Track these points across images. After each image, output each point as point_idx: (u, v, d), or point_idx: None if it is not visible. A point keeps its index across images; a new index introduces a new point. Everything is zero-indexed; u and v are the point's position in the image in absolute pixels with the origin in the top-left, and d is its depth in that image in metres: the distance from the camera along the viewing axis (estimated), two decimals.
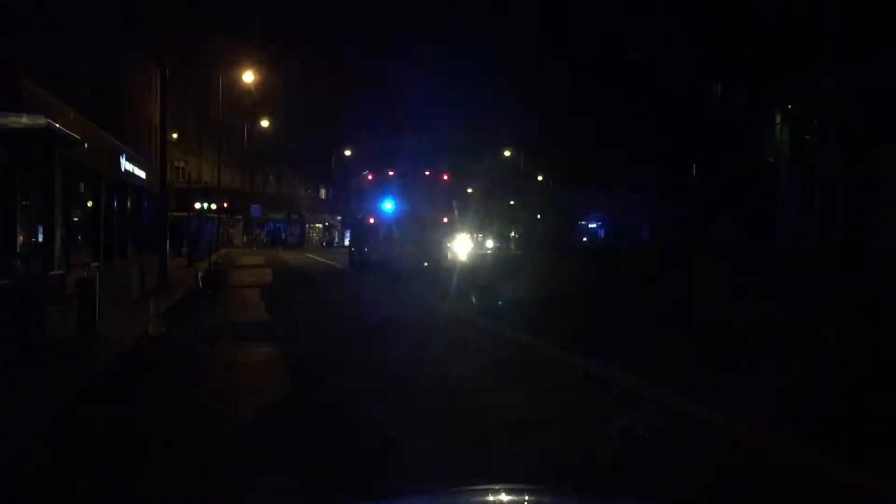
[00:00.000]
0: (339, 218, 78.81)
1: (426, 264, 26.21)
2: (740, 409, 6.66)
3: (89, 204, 24.95)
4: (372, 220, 28.56)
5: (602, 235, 66.13)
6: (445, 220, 29.13)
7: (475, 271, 27.17)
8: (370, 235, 28.48)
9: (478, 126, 73.57)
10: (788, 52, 36.66)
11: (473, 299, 17.18)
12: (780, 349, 10.61)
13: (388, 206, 28.05)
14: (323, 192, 79.84)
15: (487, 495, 2.46)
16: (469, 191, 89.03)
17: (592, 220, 70.12)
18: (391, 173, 29.96)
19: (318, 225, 78.64)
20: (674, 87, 44.98)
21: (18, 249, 15.94)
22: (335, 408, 7.08)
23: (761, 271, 28.02)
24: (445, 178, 30.55)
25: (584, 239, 69.17)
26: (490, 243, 65.61)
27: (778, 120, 41.54)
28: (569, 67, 56.57)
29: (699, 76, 44.33)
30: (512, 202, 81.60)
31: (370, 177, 30.72)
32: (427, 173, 30.40)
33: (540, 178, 74.03)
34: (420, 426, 6.36)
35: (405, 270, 24.97)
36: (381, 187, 29.09)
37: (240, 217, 66.07)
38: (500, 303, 16.93)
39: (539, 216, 74.18)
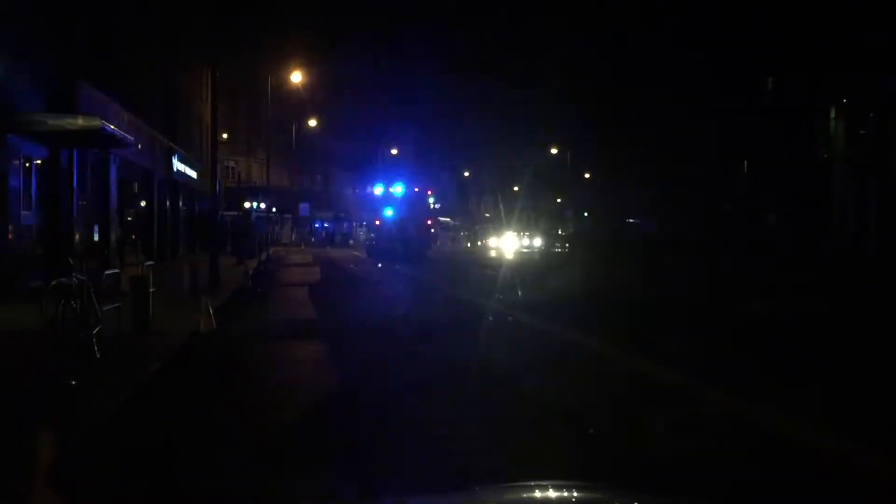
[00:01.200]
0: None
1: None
2: (792, 406, 6.56)
3: (143, 203, 25.51)
4: (378, 222, 39.89)
5: (647, 232, 65.04)
6: (429, 222, 40.95)
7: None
8: (377, 232, 39.90)
9: (524, 123, 73.35)
10: (845, 46, 35.78)
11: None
12: (829, 347, 10.39)
13: (388, 212, 38.33)
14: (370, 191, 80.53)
15: (535, 491, 2.46)
16: (515, 188, 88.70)
17: (636, 217, 69.01)
18: (390, 189, 39.79)
19: (365, 223, 79.24)
20: (724, 80, 44.21)
21: (75, 248, 16.40)
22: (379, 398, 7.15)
23: (812, 270, 27.47)
24: (430, 192, 41.13)
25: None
26: (526, 241, 65.36)
27: (833, 115, 40.58)
28: (615, 62, 55.98)
29: (751, 70, 43.51)
30: (559, 199, 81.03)
31: (377, 191, 41.17)
32: (416, 189, 40.54)
33: (587, 175, 73.37)
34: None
35: (401, 257, 33.41)
36: (384, 199, 39.78)
37: (288, 216, 66.85)
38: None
39: (586, 214, 73.57)
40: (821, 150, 41.90)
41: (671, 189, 52.22)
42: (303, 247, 60.12)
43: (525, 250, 57.98)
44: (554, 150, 74.80)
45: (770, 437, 6.10)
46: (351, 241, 73.15)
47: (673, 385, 7.98)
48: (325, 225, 73.56)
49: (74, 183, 17.63)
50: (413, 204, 39.34)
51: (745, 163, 47.64)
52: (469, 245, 73.30)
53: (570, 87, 64.11)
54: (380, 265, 32.56)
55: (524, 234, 69.80)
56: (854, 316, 14.52)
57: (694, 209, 50.93)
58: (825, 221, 39.80)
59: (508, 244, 62.29)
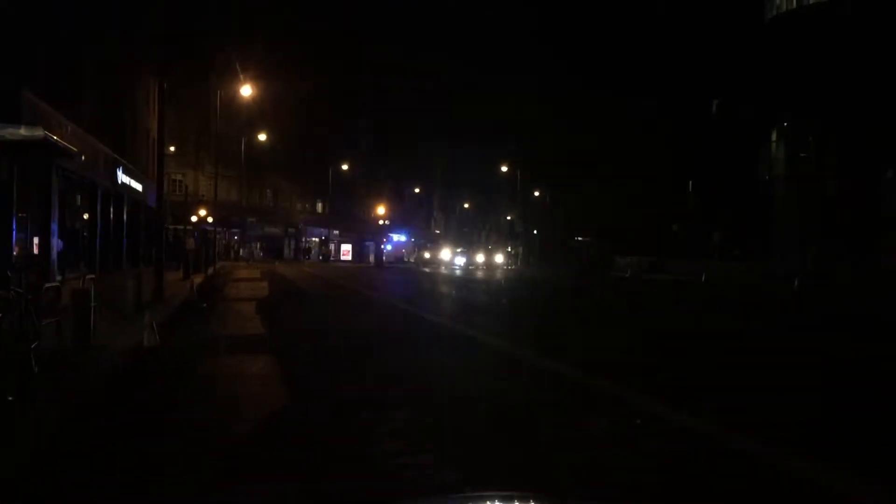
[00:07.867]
0: (335, 232, 78.87)
1: None
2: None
3: (86, 216, 24.93)
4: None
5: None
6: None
7: None
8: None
9: (476, 141, 73.76)
10: (786, 68, 36.80)
11: None
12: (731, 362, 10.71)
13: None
14: (320, 206, 79.83)
15: (484, 502, 2.45)
16: (466, 206, 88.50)
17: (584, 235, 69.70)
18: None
19: (314, 239, 78.58)
20: (672, 101, 45.11)
21: (14, 261, 15.94)
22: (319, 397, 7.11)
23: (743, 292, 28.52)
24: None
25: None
26: (458, 259, 65.60)
27: (774, 137, 41.71)
28: (566, 81, 56.76)
29: (699, 90, 44.48)
30: (509, 217, 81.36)
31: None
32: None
33: (537, 193, 73.96)
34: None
35: None
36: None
37: (236, 230, 66.07)
38: None
39: (535, 231, 74.18)
40: (763, 172, 42.98)
41: (622, 207, 52.99)
42: (249, 262, 59.42)
43: (456, 267, 58.44)
44: (504, 168, 75.23)
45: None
46: (302, 257, 72.38)
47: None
48: (277, 240, 72.85)
49: (14, 194, 17.15)
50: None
51: (691, 183, 48.67)
52: (412, 260, 73.71)
53: (520, 105, 64.72)
54: None
55: (474, 250, 70.20)
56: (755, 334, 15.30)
57: (644, 227, 51.68)
58: (766, 242, 40.79)
59: (450, 259, 63.04)
